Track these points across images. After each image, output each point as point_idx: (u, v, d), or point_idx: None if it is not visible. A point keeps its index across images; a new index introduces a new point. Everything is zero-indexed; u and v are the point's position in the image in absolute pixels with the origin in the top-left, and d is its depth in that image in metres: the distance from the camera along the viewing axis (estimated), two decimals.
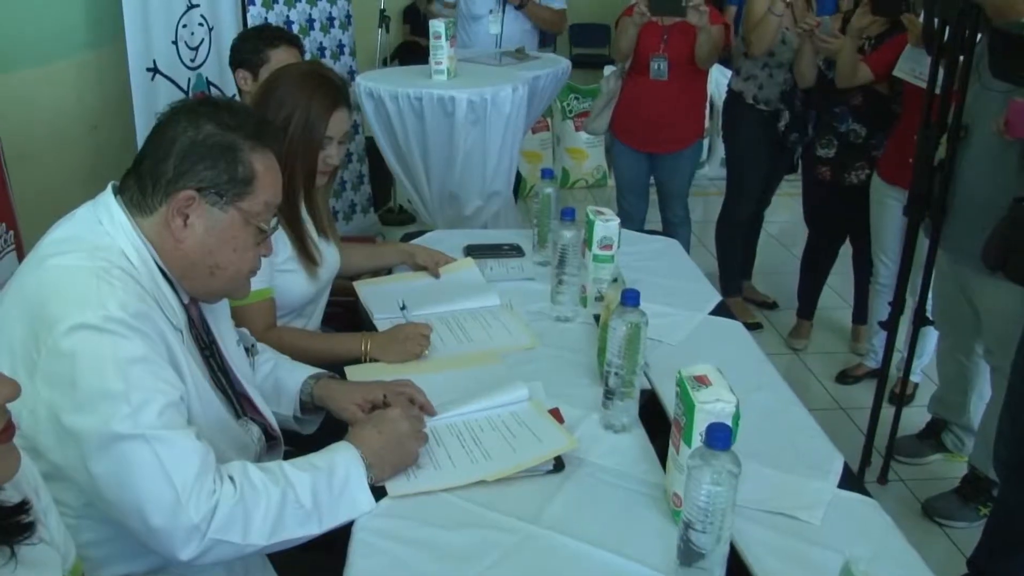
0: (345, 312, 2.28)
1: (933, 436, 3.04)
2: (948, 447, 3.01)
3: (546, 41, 4.46)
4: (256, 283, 1.82)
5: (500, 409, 1.63)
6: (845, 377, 3.59)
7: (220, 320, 1.54)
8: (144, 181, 1.33)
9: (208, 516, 1.20)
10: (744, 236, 4.13)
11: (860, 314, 3.74)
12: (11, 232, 2.23)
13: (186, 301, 1.40)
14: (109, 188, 1.37)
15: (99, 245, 1.28)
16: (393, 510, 1.37)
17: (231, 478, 1.25)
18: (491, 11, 4.21)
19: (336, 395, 1.65)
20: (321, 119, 1.93)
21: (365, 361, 1.86)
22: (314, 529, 1.30)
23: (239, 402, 1.51)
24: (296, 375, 1.69)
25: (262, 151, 1.37)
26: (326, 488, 1.32)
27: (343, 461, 1.36)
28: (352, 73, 4.25)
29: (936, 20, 2.50)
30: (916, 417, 3.15)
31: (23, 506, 0.94)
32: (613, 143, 3.97)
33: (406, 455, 1.44)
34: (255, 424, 1.53)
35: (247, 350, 1.63)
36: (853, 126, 3.36)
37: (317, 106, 1.92)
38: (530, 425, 1.58)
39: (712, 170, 6.07)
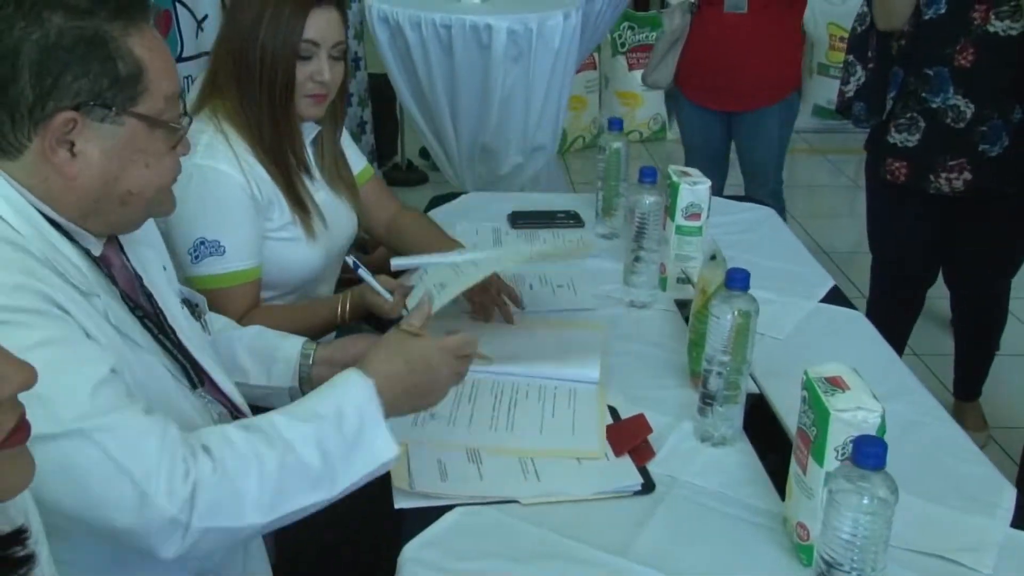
0: None
1: None
2: None
3: None
4: (241, 262, 1.90)
5: (561, 382, 1.75)
6: None
7: (153, 272, 1.50)
8: None
9: (187, 504, 1.19)
10: None
11: None
12: None
13: (97, 253, 1.35)
14: None
15: None
16: (446, 536, 1.39)
17: (206, 449, 1.23)
18: None
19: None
20: (297, 18, 1.90)
21: (343, 323, 1.96)
22: (324, 494, 1.29)
23: (195, 372, 1.49)
24: (290, 339, 1.71)
25: (137, 29, 1.26)
26: (336, 438, 1.30)
27: (353, 400, 1.34)
28: None
29: None
30: None
31: (19, 535, 0.89)
32: (679, 99, 3.78)
33: (429, 403, 1.46)
34: (215, 403, 1.52)
35: (192, 310, 1.59)
36: (954, 99, 2.69)
37: (292, 2, 1.90)
38: (576, 412, 1.68)
39: (802, 120, 5.89)
